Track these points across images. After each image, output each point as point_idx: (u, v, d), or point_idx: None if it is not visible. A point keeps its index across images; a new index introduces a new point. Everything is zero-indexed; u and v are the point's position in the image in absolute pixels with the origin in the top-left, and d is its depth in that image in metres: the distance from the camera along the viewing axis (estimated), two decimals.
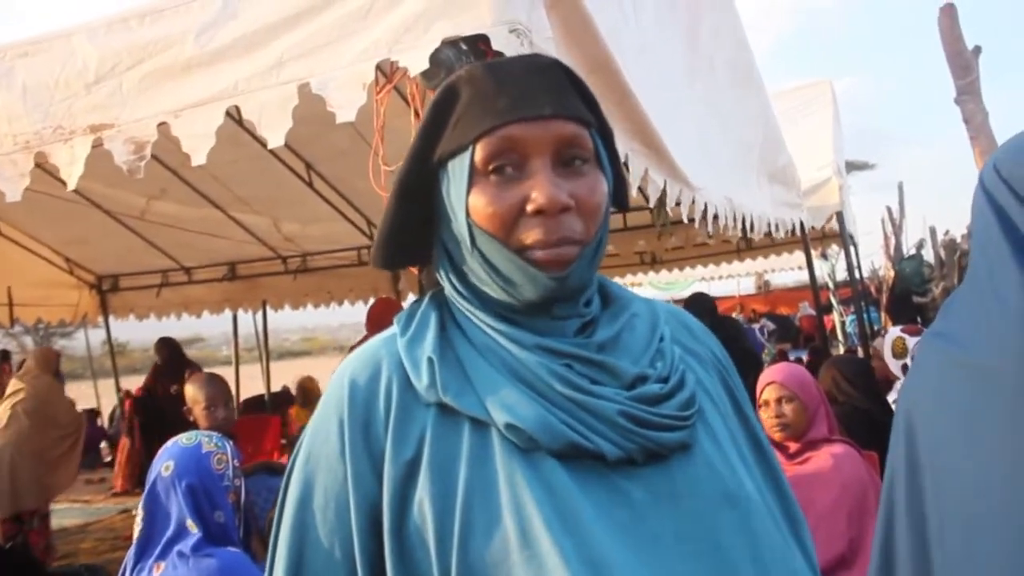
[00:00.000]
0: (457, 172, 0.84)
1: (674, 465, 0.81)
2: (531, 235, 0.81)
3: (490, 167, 0.82)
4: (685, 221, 3.17)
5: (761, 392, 2.59)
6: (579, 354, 0.83)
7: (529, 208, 0.80)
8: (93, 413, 12.95)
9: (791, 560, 0.84)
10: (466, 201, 0.83)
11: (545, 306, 0.84)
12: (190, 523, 1.81)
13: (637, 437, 0.79)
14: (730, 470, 0.84)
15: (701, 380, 0.91)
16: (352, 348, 2.60)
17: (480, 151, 0.82)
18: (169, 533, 1.81)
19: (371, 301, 5.59)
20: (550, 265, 0.81)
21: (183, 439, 1.97)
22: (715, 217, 3.32)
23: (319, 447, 0.84)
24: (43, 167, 2.04)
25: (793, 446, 2.54)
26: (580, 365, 0.83)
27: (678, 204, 2.86)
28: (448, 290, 0.90)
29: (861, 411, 3.28)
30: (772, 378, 2.61)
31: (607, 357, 0.84)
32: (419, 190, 0.89)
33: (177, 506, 1.83)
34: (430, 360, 0.83)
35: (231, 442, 2.04)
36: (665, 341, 0.89)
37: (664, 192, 2.64)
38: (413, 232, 0.92)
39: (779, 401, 2.54)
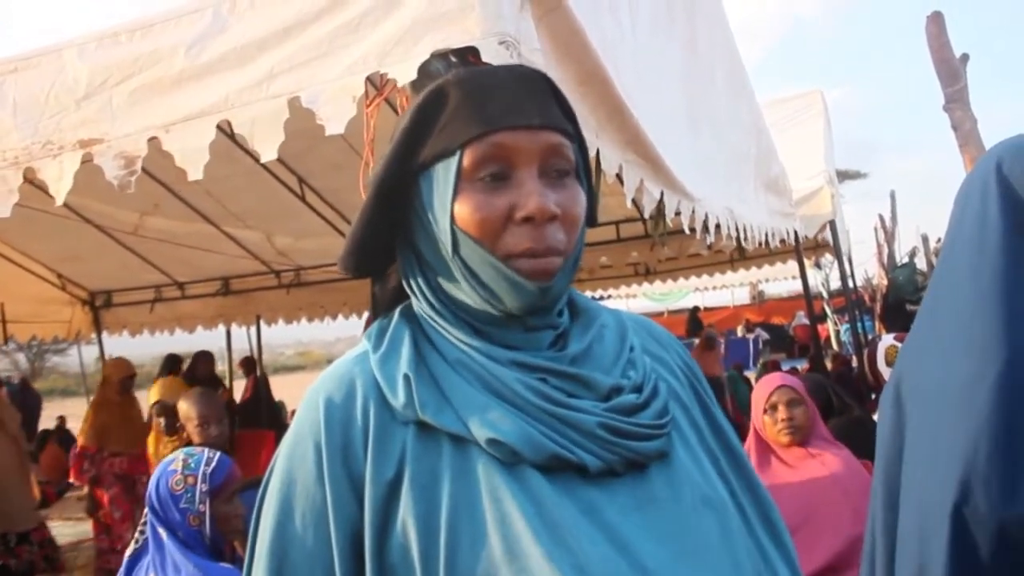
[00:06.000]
0: (442, 177, 0.83)
1: (652, 473, 0.81)
2: (519, 243, 0.80)
3: (477, 173, 0.81)
4: (686, 231, 3.16)
5: (769, 396, 2.57)
6: (553, 368, 0.83)
7: (518, 215, 0.80)
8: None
9: (770, 562, 0.84)
10: (451, 207, 0.81)
11: (522, 316, 0.84)
12: (162, 532, 1.81)
13: (617, 448, 0.79)
14: (705, 476, 0.84)
15: (672, 388, 0.91)
16: None
17: (468, 157, 0.81)
18: (152, 547, 1.81)
19: (365, 314, 5.57)
20: (536, 275, 0.81)
21: (172, 454, 1.98)
22: (716, 227, 3.32)
23: (295, 470, 0.82)
24: (35, 183, 2.03)
25: (798, 451, 2.54)
26: (555, 379, 0.82)
27: (678, 214, 2.86)
28: (417, 303, 0.89)
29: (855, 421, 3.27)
30: (781, 382, 2.61)
31: (581, 370, 0.84)
32: (395, 194, 0.87)
33: (151, 521, 1.84)
34: (406, 377, 0.81)
35: (218, 457, 1.98)
36: (636, 351, 0.89)
37: (662, 203, 2.64)
38: (382, 238, 0.90)
39: (788, 404, 2.54)
